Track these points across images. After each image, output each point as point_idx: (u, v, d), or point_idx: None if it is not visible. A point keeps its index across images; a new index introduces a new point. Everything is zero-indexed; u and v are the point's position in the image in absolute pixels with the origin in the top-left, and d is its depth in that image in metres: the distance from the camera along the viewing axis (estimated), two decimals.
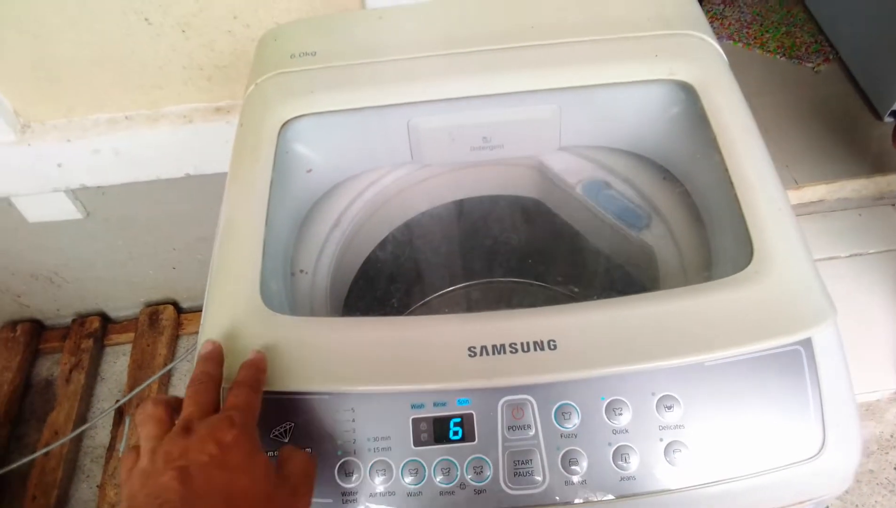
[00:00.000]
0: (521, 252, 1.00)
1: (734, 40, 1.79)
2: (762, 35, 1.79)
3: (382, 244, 0.86)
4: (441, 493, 0.54)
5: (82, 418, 1.49)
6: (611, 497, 0.53)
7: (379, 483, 0.54)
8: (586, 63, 0.72)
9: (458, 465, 0.54)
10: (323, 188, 0.78)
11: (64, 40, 1.06)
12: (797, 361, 0.55)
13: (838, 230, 1.51)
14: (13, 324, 1.61)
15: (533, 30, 0.76)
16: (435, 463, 0.54)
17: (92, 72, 1.12)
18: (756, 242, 0.58)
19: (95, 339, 1.57)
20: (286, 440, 0.55)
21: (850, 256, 1.48)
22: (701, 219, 0.71)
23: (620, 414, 0.54)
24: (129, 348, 1.58)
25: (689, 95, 0.70)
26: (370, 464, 0.54)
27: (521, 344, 0.54)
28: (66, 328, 1.62)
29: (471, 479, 0.54)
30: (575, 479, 0.54)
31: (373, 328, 0.57)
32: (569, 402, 0.55)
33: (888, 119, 1.55)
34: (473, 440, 0.54)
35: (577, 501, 0.54)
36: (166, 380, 1.54)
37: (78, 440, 1.48)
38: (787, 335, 0.54)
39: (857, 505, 1.27)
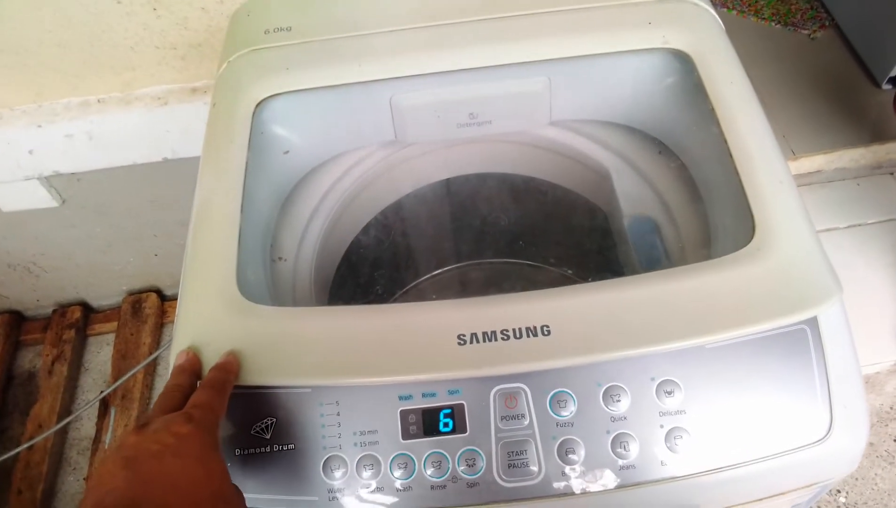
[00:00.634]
0: (513, 232, 0.97)
1: (728, 7, 1.74)
2: (756, 1, 1.75)
3: (367, 228, 0.83)
4: (432, 487, 0.51)
5: (67, 410, 1.46)
6: (610, 486, 0.51)
7: (366, 479, 0.52)
8: (576, 33, 0.69)
9: (449, 458, 0.51)
10: (303, 170, 0.74)
11: (28, 22, 1.01)
12: (803, 341, 0.53)
13: (837, 201, 1.48)
14: None
15: None
16: (425, 457, 0.51)
17: (60, 54, 1.07)
18: (758, 217, 0.55)
19: (77, 329, 1.53)
20: (268, 437, 0.53)
21: (849, 226, 1.46)
22: (699, 194, 0.68)
23: (618, 401, 0.51)
24: (112, 337, 1.55)
25: (684, 64, 0.67)
26: (357, 459, 0.52)
27: (514, 330, 0.51)
28: (46, 318, 1.58)
29: (463, 472, 0.51)
30: (572, 469, 0.51)
31: (356, 317, 0.54)
32: (564, 389, 0.52)
33: (886, 86, 1.51)
34: (465, 431, 0.52)
35: (575, 492, 0.51)
36: (151, 369, 1.51)
37: (63, 432, 1.45)
38: (791, 315, 0.51)
39: (856, 478, 1.26)
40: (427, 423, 0.52)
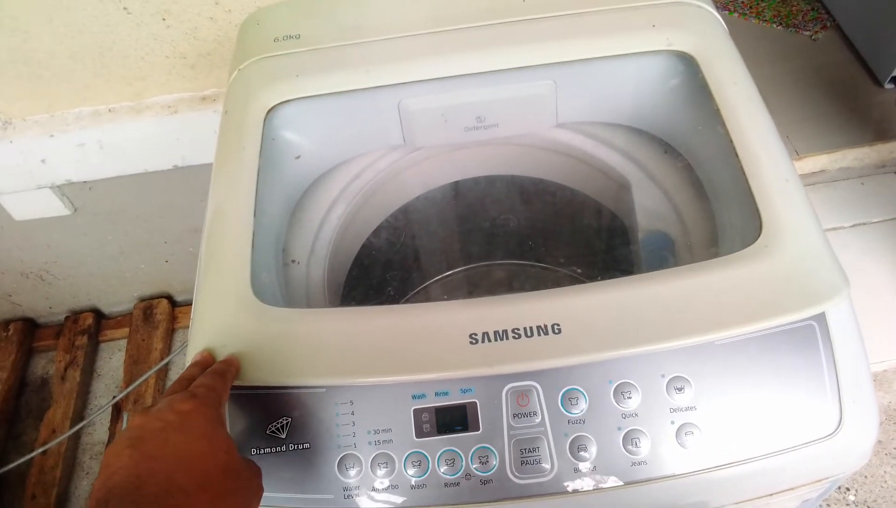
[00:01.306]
0: (522, 234, 0.98)
1: (729, 10, 1.75)
2: (758, 3, 1.76)
3: (378, 230, 0.84)
4: (446, 485, 0.52)
5: (79, 415, 1.47)
6: (621, 482, 0.52)
7: (381, 477, 0.52)
8: (581, 36, 0.70)
9: (462, 456, 0.52)
10: (314, 175, 0.76)
11: (41, 34, 1.02)
12: (811, 336, 0.53)
13: (841, 200, 1.48)
14: (5, 323, 1.58)
15: (524, 4, 0.73)
16: (439, 455, 0.52)
17: (72, 65, 1.08)
18: (764, 214, 0.56)
19: (90, 336, 1.55)
20: (283, 436, 0.54)
21: (854, 225, 1.46)
22: (705, 193, 0.69)
23: (629, 398, 0.52)
24: (124, 343, 1.56)
25: (688, 65, 0.68)
26: (371, 458, 0.52)
27: (525, 329, 0.52)
28: (59, 325, 1.59)
29: (476, 469, 0.52)
30: (584, 466, 0.52)
31: (368, 317, 0.55)
32: (575, 387, 0.53)
33: (888, 86, 1.52)
34: (478, 429, 0.52)
35: (586, 488, 0.52)
36: (163, 375, 1.52)
37: (76, 437, 1.46)
38: (800, 311, 0.52)
39: (865, 476, 1.26)
40: (440, 421, 0.52)
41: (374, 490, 0.52)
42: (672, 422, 0.51)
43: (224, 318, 0.56)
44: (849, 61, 1.61)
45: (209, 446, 0.43)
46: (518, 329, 0.52)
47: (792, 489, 0.55)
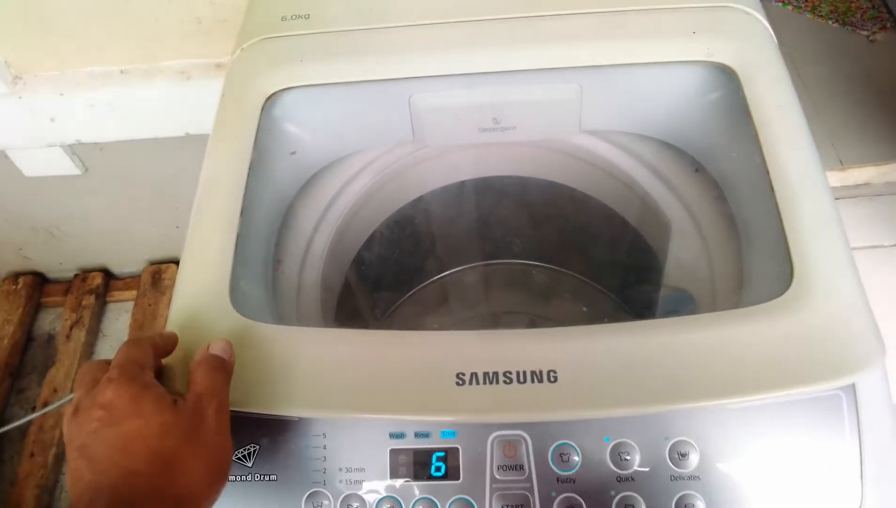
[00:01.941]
0: (534, 237, 0.93)
1: (783, 2, 1.65)
2: None
3: (380, 229, 0.79)
4: None
5: None
6: None
7: None
8: (613, 39, 0.63)
9: (439, 505, 0.48)
10: (312, 170, 0.71)
11: None
12: (836, 408, 0.48)
13: (884, 217, 1.39)
14: (15, 276, 1.58)
15: None
16: (414, 502, 0.48)
17: (84, 23, 1.04)
18: (797, 263, 0.50)
19: (97, 296, 1.53)
20: (249, 464, 0.50)
21: (895, 245, 1.38)
22: (735, 224, 0.63)
23: (627, 459, 0.47)
24: (131, 305, 1.55)
25: (729, 80, 0.61)
26: (341, 498, 0.49)
27: (517, 373, 0.47)
28: (68, 281, 1.58)
29: None
30: None
31: (351, 343, 0.50)
32: (568, 442, 0.48)
33: None
34: (458, 478, 0.48)
35: None
36: None
37: None
38: (827, 380, 0.46)
39: None
40: (418, 465, 0.48)
41: None
42: (672, 491, 0.46)
43: (197, 327, 0.52)
44: None
45: (140, 421, 0.42)
46: (510, 373, 0.47)
47: None
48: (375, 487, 0.48)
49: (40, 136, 1.19)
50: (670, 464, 0.47)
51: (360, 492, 0.48)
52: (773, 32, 0.63)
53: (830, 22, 1.59)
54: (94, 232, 1.50)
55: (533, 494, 0.47)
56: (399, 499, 0.48)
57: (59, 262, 1.58)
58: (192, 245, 0.55)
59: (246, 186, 0.58)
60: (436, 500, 0.48)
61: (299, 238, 0.69)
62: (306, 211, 0.70)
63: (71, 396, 0.46)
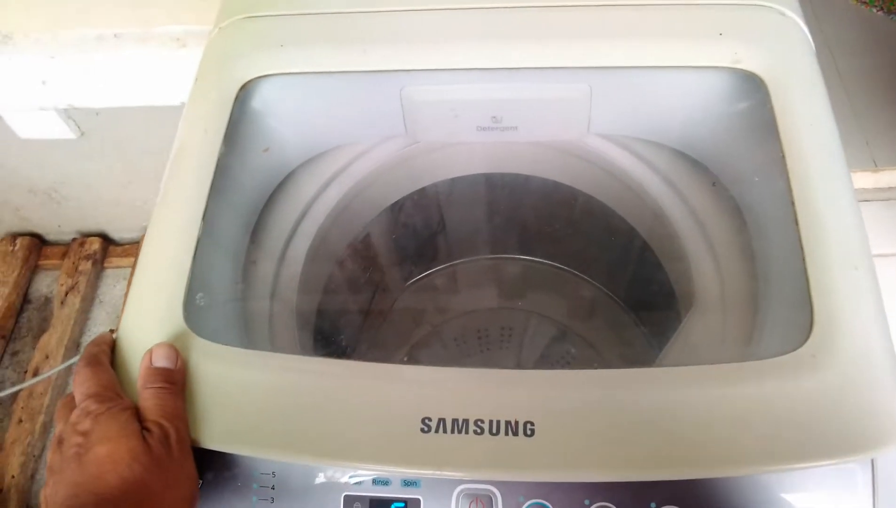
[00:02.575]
0: (535, 235, 0.87)
1: None
2: None
3: (368, 227, 0.73)
4: None
5: (76, 342, 1.44)
6: None
7: None
8: (629, 37, 0.56)
9: None
10: (292, 164, 0.65)
11: None
12: (850, 482, 0.42)
13: None
14: (13, 237, 1.54)
15: None
16: None
17: None
18: (818, 312, 0.44)
19: (94, 261, 1.50)
20: (197, 497, 0.45)
21: None
22: (752, 250, 0.57)
23: None
24: (128, 272, 1.51)
25: (757, 90, 0.54)
26: None
27: (490, 423, 0.42)
28: (66, 245, 1.55)
29: None
30: None
31: (308, 374, 0.45)
32: (543, 502, 0.43)
33: None
34: None
35: None
36: None
37: (69, 366, 1.43)
38: (842, 454, 0.40)
39: None
40: None
41: None
42: None
43: (145, 343, 0.47)
44: None
45: (115, 450, 0.41)
46: (482, 422, 0.42)
47: None
48: None
49: (31, 98, 1.14)
50: None
51: None
52: (811, 38, 0.56)
53: (875, 10, 1.48)
54: (93, 197, 1.46)
55: None
56: None
57: (58, 224, 1.55)
58: (147, 252, 0.50)
59: (211, 187, 0.52)
60: None
61: (277, 237, 0.63)
62: (286, 208, 0.64)
63: (71, 361, 0.48)
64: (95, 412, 0.43)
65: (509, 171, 0.76)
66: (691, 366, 0.44)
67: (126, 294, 0.51)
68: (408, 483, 0.44)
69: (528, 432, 0.42)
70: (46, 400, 1.34)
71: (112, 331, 0.50)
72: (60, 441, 0.44)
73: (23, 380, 1.41)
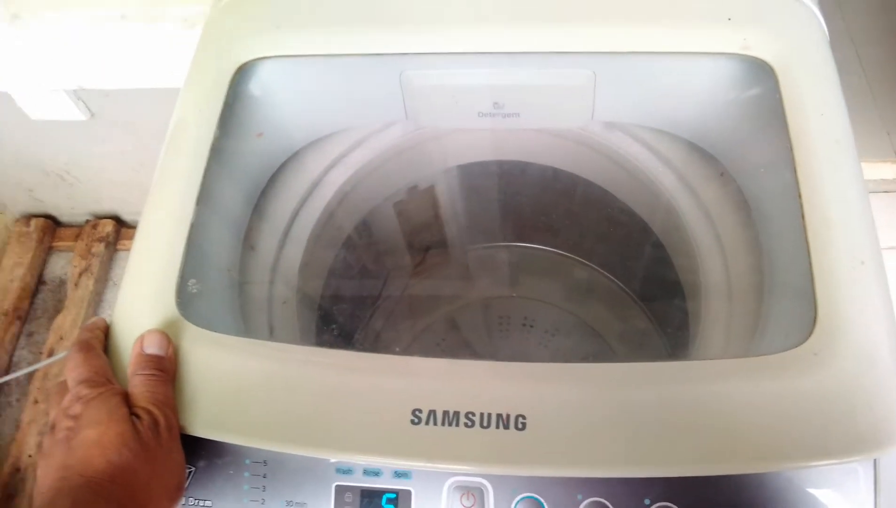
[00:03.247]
0: (538, 222, 0.86)
1: None
2: None
3: (368, 218, 0.72)
4: None
5: None
6: None
7: None
8: (636, 22, 0.55)
9: None
10: (290, 150, 0.64)
11: None
12: (852, 482, 0.41)
13: None
14: (27, 218, 1.56)
15: None
16: None
17: None
18: (822, 309, 0.43)
19: (107, 244, 1.51)
20: (185, 485, 0.45)
21: None
22: (758, 241, 0.55)
23: None
24: None
25: (767, 78, 0.52)
26: None
27: (481, 416, 0.41)
28: (80, 227, 1.56)
29: None
30: None
31: (300, 364, 0.45)
32: (534, 496, 0.42)
33: None
34: None
35: None
36: None
37: None
38: (844, 455, 0.39)
39: None
40: (366, 505, 0.43)
41: None
42: None
43: (137, 330, 0.47)
44: None
45: (104, 434, 0.41)
46: (473, 415, 0.41)
47: None
48: None
49: (40, 79, 1.14)
50: None
51: None
52: (825, 25, 0.54)
53: None
54: (105, 179, 1.46)
55: None
56: None
57: (72, 206, 1.56)
58: (141, 238, 0.50)
59: (206, 171, 0.52)
60: None
61: (277, 221, 0.63)
62: (287, 193, 0.64)
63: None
64: (86, 397, 0.43)
65: (513, 158, 0.75)
66: (689, 361, 0.43)
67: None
68: (399, 475, 0.43)
69: (520, 425, 0.41)
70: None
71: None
72: (53, 426, 0.44)
73: (38, 361, 1.43)
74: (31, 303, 1.52)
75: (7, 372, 1.40)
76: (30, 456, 1.30)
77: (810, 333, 0.42)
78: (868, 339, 0.42)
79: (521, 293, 0.91)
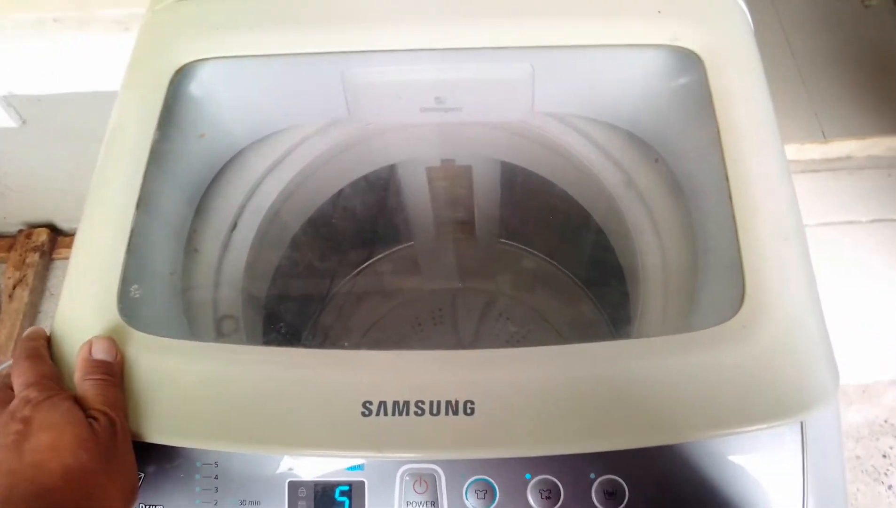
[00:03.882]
0: (483, 213, 0.87)
1: None
2: None
3: (315, 215, 0.72)
4: None
5: None
6: None
7: None
8: (570, 17, 0.56)
9: None
10: (232, 150, 0.64)
11: None
12: (780, 444, 0.43)
13: (863, 191, 1.35)
14: None
15: None
16: None
17: None
18: (749, 283, 0.45)
19: (42, 253, 1.46)
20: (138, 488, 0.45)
21: (873, 221, 1.33)
22: (692, 224, 0.57)
23: (548, 497, 0.43)
24: None
25: (694, 67, 0.55)
26: None
27: (431, 404, 0.42)
28: (13, 237, 1.51)
29: None
30: None
31: (247, 362, 0.45)
32: (485, 478, 0.43)
33: None
34: None
35: None
36: None
37: None
38: (772, 419, 0.41)
39: None
40: (320, 500, 0.44)
41: None
42: None
43: (80, 338, 0.46)
44: None
45: (59, 437, 0.40)
46: (422, 403, 0.42)
47: None
48: None
49: None
50: (596, 503, 0.43)
51: None
52: (749, 16, 0.57)
53: None
54: (39, 187, 1.42)
55: None
56: None
57: (3, 216, 1.50)
58: (80, 245, 0.49)
59: (145, 175, 0.51)
60: None
61: (221, 222, 0.62)
62: (229, 194, 0.63)
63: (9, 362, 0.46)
64: (36, 400, 0.42)
65: (456, 151, 0.76)
66: (627, 340, 0.45)
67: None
68: (352, 467, 0.44)
69: (468, 411, 0.42)
70: None
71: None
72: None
73: None
74: None
75: None
76: None
77: (739, 307, 0.44)
78: (793, 312, 0.44)
79: (468, 284, 0.93)
